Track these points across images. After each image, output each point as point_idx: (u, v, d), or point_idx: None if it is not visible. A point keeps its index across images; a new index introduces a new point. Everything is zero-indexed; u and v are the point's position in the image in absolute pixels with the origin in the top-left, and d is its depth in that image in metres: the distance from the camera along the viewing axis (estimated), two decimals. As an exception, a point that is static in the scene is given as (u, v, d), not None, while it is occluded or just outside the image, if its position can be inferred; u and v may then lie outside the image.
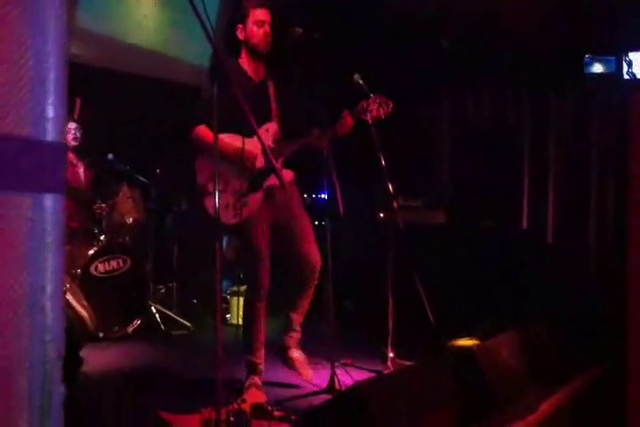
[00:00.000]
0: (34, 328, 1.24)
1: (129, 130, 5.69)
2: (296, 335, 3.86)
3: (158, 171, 5.43)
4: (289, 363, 3.82)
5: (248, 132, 3.58)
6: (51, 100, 1.34)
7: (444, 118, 6.49)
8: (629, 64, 5.45)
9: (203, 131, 3.62)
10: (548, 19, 5.75)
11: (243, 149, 3.60)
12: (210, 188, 3.58)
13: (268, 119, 3.75)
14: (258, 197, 3.65)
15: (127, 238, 5.12)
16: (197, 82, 5.87)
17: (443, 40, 6.22)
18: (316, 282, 3.80)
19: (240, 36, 3.72)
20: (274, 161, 3.51)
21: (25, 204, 1.27)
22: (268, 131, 3.73)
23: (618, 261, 5.25)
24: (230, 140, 3.58)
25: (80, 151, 5.20)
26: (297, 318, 3.84)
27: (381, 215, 5.16)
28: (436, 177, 6.42)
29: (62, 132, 1.36)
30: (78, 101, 4.88)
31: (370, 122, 3.71)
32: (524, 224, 6.03)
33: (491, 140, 6.10)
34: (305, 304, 3.83)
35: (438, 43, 6.18)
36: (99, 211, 4.96)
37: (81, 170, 5.23)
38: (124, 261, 4.93)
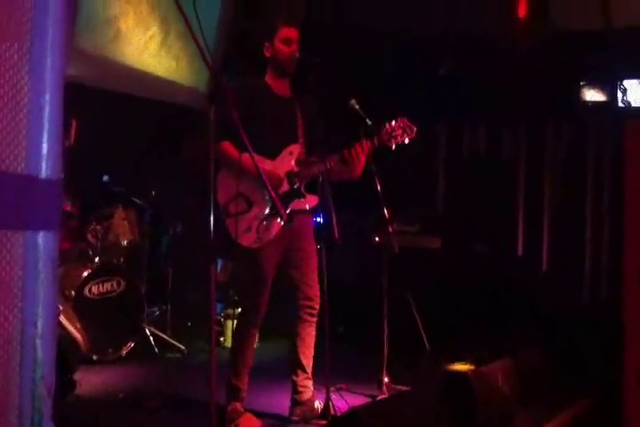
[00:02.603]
0: (24, 365, 1.24)
1: (125, 151, 5.69)
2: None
3: (153, 193, 5.42)
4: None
5: (273, 153, 3.54)
6: (46, 136, 1.34)
7: (441, 145, 6.51)
8: (624, 92, 5.47)
9: (227, 147, 3.49)
10: (543, 45, 5.80)
11: (268, 171, 3.41)
12: (231, 209, 3.46)
13: (294, 140, 3.65)
14: (279, 221, 3.53)
15: (122, 260, 5.10)
16: (192, 104, 5.92)
17: (441, 67, 6.26)
18: (314, 318, 3.70)
19: (267, 53, 3.64)
20: (300, 186, 3.54)
21: (18, 241, 1.27)
22: (291, 153, 3.63)
23: (612, 288, 5.26)
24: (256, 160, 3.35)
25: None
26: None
27: (377, 239, 5.15)
28: (432, 203, 6.43)
29: (57, 168, 1.35)
30: (74, 124, 4.76)
31: (393, 149, 3.57)
32: (520, 251, 6.04)
33: (487, 167, 6.12)
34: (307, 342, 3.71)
35: (437, 69, 6.22)
36: (93, 232, 4.94)
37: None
38: (119, 284, 4.91)
